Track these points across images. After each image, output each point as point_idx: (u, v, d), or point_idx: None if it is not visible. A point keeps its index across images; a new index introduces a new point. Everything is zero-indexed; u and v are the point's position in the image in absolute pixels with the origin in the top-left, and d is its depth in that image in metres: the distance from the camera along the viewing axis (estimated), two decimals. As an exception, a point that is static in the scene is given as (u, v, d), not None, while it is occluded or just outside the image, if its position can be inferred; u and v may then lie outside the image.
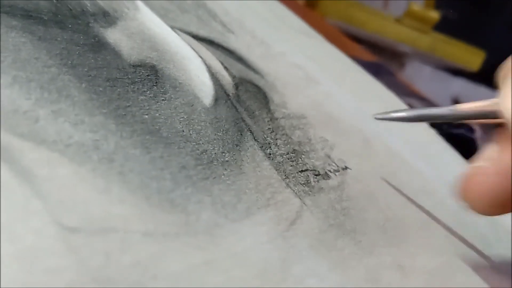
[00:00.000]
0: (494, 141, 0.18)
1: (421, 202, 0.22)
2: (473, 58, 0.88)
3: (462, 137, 0.37)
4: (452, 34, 0.86)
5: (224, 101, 0.20)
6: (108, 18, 0.19)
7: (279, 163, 0.19)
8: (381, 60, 0.53)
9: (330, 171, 0.20)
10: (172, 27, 0.22)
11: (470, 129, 0.38)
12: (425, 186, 0.23)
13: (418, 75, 0.85)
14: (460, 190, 0.18)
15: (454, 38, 0.87)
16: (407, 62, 0.86)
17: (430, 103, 0.43)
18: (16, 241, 0.11)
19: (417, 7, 0.81)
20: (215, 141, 0.17)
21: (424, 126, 0.33)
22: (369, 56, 0.50)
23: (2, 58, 0.14)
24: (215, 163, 0.16)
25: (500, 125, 0.18)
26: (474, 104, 0.19)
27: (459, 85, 0.92)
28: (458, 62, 0.88)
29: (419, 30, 0.82)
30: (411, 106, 0.38)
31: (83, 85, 0.16)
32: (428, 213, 0.22)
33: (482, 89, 0.90)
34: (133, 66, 0.18)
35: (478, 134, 0.37)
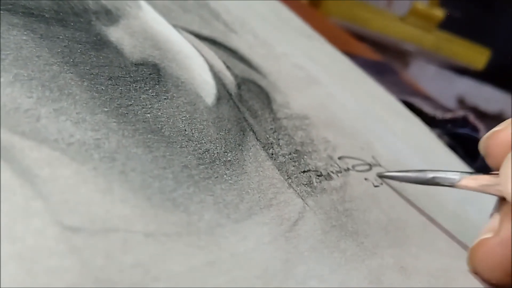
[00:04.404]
0: (496, 212, 0.19)
1: (422, 204, 0.22)
2: (478, 57, 0.87)
3: (466, 136, 0.37)
4: (457, 33, 0.86)
5: (227, 101, 0.20)
6: (111, 16, 0.19)
7: (282, 163, 0.19)
8: (385, 59, 0.53)
9: (332, 172, 0.20)
10: (175, 26, 0.22)
11: (475, 128, 0.38)
12: (426, 189, 0.23)
13: (422, 74, 0.84)
14: (469, 260, 0.19)
15: (458, 37, 0.86)
16: (412, 61, 0.86)
17: (434, 102, 0.42)
18: (17, 241, 0.11)
19: (421, 5, 0.81)
20: (217, 140, 0.17)
21: (425, 131, 0.32)
22: (373, 55, 0.50)
23: (3, 56, 0.14)
24: (217, 163, 0.16)
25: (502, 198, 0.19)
26: (476, 180, 0.20)
27: (464, 84, 0.91)
28: (463, 60, 0.87)
29: (424, 28, 0.81)
30: (415, 105, 0.37)
31: (85, 83, 0.16)
32: (427, 215, 0.22)
33: (487, 88, 0.90)
34: (135, 64, 0.18)
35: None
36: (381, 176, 0.22)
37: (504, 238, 0.18)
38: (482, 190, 0.20)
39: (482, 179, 0.20)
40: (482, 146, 0.20)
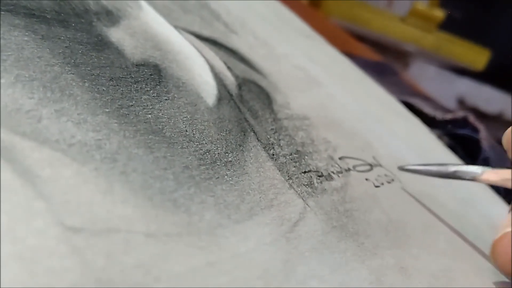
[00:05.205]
0: None
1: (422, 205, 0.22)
2: (478, 57, 0.87)
3: (466, 137, 0.37)
4: (457, 33, 0.86)
5: (227, 101, 0.20)
6: (111, 17, 0.19)
7: (282, 163, 0.19)
8: (386, 59, 0.53)
9: (333, 172, 0.20)
10: (175, 27, 0.22)
11: (475, 129, 0.38)
12: (426, 189, 0.23)
13: (422, 74, 0.85)
14: (491, 254, 0.20)
15: (459, 37, 0.86)
16: (412, 61, 0.86)
17: (434, 103, 0.42)
18: (18, 241, 0.11)
19: (421, 6, 0.81)
20: (218, 141, 0.17)
21: (425, 131, 0.32)
22: (373, 56, 0.50)
23: (4, 57, 0.14)
24: (218, 163, 0.16)
25: None
26: (497, 174, 0.20)
27: (464, 84, 0.91)
28: (463, 61, 0.87)
29: (424, 29, 0.81)
30: (415, 106, 0.37)
31: (86, 84, 0.16)
32: (433, 213, 0.22)
33: (487, 89, 0.90)
34: (136, 65, 0.18)
35: (482, 134, 0.37)
36: (402, 169, 0.22)
37: None
38: (503, 184, 0.20)
39: (504, 173, 0.20)
40: (504, 140, 0.20)
